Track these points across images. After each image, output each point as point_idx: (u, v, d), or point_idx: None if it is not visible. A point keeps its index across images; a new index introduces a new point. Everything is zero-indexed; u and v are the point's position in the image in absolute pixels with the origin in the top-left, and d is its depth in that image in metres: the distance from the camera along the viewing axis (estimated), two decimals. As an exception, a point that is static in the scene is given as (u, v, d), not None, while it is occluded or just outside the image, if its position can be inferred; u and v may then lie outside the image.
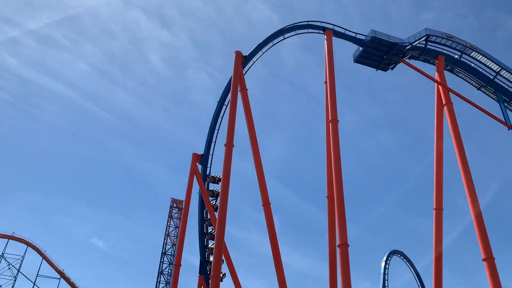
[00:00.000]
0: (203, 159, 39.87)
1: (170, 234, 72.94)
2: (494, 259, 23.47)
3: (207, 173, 39.91)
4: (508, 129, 31.00)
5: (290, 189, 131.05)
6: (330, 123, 28.10)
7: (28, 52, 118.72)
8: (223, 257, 32.11)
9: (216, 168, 40.06)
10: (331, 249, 29.08)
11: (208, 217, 39.48)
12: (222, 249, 25.34)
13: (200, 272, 37.55)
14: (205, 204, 39.01)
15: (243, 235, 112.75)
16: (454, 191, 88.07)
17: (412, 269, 64.23)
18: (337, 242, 22.88)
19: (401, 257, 64.43)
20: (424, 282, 63.21)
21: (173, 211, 74.88)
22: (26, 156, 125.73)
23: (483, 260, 23.64)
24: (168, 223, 73.64)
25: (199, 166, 39.73)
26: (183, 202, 39.44)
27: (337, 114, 28.43)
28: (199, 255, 38.61)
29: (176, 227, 72.87)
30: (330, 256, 29.06)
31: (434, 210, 30.67)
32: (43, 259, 66.99)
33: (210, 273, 34.04)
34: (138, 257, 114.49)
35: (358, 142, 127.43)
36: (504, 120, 31.15)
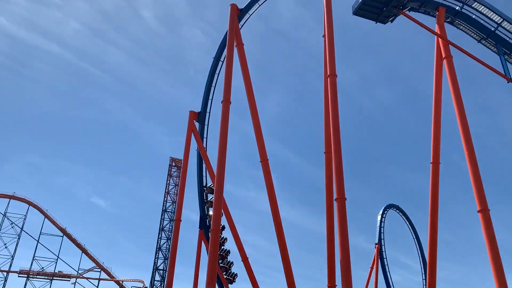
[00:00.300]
0: (200, 116, 39.70)
1: (170, 192, 74.03)
2: (489, 210, 23.80)
3: (205, 134, 39.83)
4: (508, 82, 30.72)
5: (288, 146, 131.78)
6: (328, 78, 27.64)
7: (18, 10, 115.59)
8: (223, 213, 32.66)
9: (213, 126, 39.93)
10: (328, 202, 29.38)
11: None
12: (221, 203, 25.61)
13: (200, 227, 38.34)
14: (203, 161, 39.22)
15: (242, 192, 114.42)
16: (450, 147, 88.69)
17: (407, 223, 65.61)
18: (334, 196, 23.07)
19: (397, 210, 65.64)
20: (419, 235, 64.86)
21: (172, 169, 75.65)
22: (23, 118, 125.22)
23: (478, 211, 23.96)
24: (168, 182, 74.63)
25: (197, 124, 39.59)
26: (182, 161, 39.53)
27: (335, 69, 27.94)
28: (198, 211, 39.29)
29: (175, 185, 73.74)
30: (327, 210, 29.35)
31: (431, 164, 30.82)
32: (45, 218, 68.12)
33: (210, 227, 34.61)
34: (138, 215, 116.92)
35: (355, 97, 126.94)
36: (503, 73, 30.83)
